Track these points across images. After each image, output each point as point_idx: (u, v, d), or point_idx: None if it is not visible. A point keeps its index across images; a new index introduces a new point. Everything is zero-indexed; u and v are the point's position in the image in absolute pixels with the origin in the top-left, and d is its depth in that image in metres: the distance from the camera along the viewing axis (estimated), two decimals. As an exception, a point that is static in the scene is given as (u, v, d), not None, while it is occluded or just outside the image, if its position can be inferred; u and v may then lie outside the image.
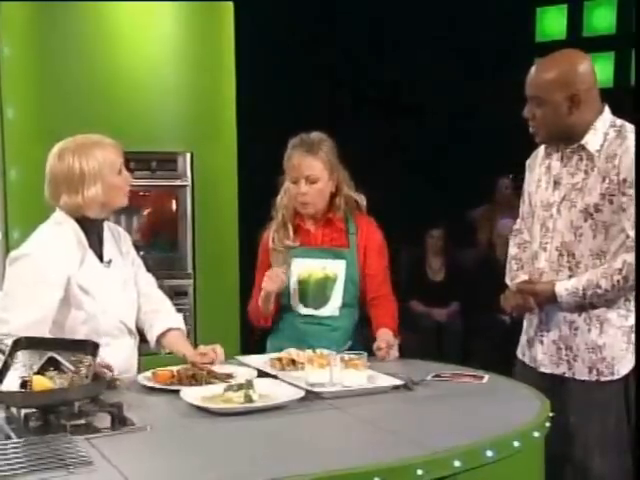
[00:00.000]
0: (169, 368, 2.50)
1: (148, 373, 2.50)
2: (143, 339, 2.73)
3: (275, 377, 2.45)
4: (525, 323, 2.82)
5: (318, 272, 2.89)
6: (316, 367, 2.38)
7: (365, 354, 2.45)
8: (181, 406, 2.22)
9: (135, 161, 3.78)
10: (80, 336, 2.46)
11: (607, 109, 2.64)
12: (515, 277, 2.77)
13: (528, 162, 2.85)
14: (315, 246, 2.93)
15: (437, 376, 2.54)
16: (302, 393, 2.26)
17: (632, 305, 2.59)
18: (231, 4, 4.29)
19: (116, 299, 2.58)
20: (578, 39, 6.74)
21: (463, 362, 2.92)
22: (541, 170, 2.75)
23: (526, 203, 2.84)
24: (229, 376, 2.47)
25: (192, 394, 2.26)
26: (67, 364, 2.14)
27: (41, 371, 2.11)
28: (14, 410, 2.07)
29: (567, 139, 2.64)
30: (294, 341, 2.77)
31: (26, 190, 3.91)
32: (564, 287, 2.60)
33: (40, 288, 2.43)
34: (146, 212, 4.26)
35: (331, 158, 2.89)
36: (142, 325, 2.72)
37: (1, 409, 2.12)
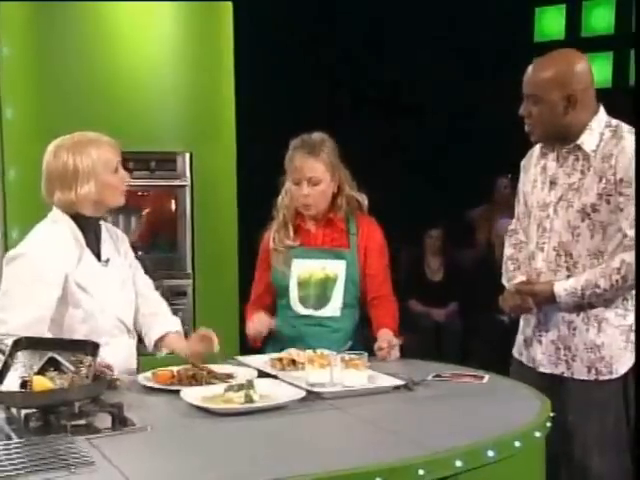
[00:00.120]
0: (169, 368, 2.50)
1: (148, 373, 2.50)
2: (141, 340, 2.73)
3: (275, 377, 2.45)
4: (521, 323, 2.82)
5: (318, 272, 2.89)
6: (317, 367, 2.37)
7: (366, 354, 2.45)
8: (181, 406, 2.22)
9: (134, 161, 3.78)
10: (79, 335, 2.46)
11: (602, 109, 2.65)
12: (512, 278, 2.77)
13: (523, 162, 2.86)
14: (315, 246, 2.93)
15: (438, 376, 2.54)
16: (303, 393, 2.26)
17: (630, 304, 2.60)
18: (230, 4, 4.29)
19: (114, 298, 2.58)
20: (577, 39, 6.74)
21: (462, 362, 2.92)
22: (536, 170, 2.76)
23: (521, 203, 2.84)
24: (229, 376, 2.47)
25: (193, 394, 2.26)
26: (67, 364, 2.14)
27: (41, 371, 2.11)
28: (14, 410, 2.06)
29: (562, 139, 2.65)
30: (294, 342, 2.77)
31: (25, 190, 3.91)
32: (563, 287, 2.60)
33: (37, 287, 2.43)
34: (145, 212, 4.26)
35: (333, 159, 2.89)
36: (139, 328, 2.72)
37: (1, 409, 2.12)
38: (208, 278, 4.21)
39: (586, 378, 2.62)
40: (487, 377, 2.55)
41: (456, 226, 6.28)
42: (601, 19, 6.82)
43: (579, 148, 2.62)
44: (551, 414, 2.21)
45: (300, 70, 6.11)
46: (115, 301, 2.58)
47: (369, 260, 2.92)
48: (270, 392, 2.27)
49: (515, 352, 2.84)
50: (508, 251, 2.86)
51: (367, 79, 6.62)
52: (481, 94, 6.20)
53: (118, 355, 2.51)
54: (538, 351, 2.72)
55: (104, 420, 2.04)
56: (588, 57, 2.69)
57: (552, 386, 2.55)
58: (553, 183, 2.68)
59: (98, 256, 2.58)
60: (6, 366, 2.13)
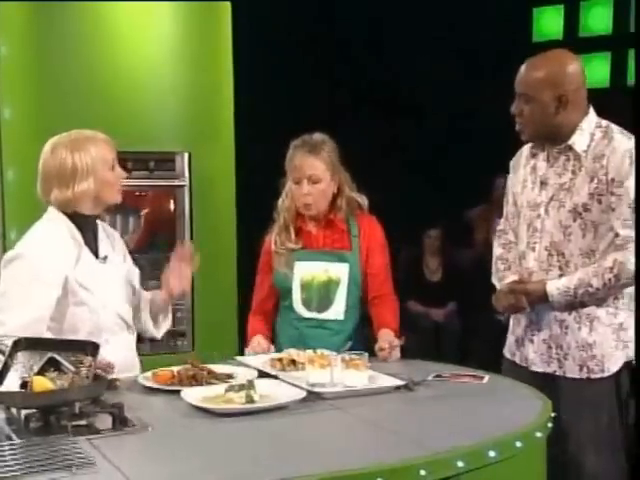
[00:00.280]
0: (169, 368, 2.50)
1: (148, 373, 2.50)
2: (141, 340, 2.73)
3: (275, 377, 2.45)
4: (512, 322, 2.85)
5: (321, 275, 2.89)
6: (317, 367, 2.37)
7: (366, 354, 2.45)
8: (182, 406, 2.21)
9: (133, 161, 3.77)
10: (82, 333, 2.46)
11: (592, 110, 2.68)
12: (503, 277, 2.80)
13: (512, 163, 2.89)
14: (317, 248, 2.93)
15: (438, 376, 2.54)
16: (304, 393, 2.26)
17: (620, 303, 2.64)
18: (229, 4, 4.28)
19: (113, 294, 2.59)
20: (575, 39, 6.75)
21: (461, 362, 2.92)
22: (526, 170, 2.78)
23: (510, 203, 2.86)
24: (229, 376, 2.46)
25: (193, 394, 2.25)
26: (67, 364, 2.13)
27: (41, 372, 2.11)
28: (14, 411, 2.06)
29: (553, 139, 2.68)
30: (295, 344, 2.77)
31: (23, 190, 3.89)
32: (555, 286, 2.62)
33: (35, 287, 2.43)
34: (144, 212, 4.25)
35: (333, 159, 2.89)
36: (139, 322, 2.74)
37: (1, 410, 2.12)
38: (207, 278, 4.20)
39: (578, 376, 2.64)
40: (487, 377, 2.55)
41: (455, 226, 6.27)
42: (599, 19, 6.82)
43: (570, 148, 2.65)
44: (552, 414, 2.21)
45: (299, 70, 6.10)
46: (115, 297, 2.60)
47: (370, 260, 2.92)
48: (270, 392, 2.26)
49: (506, 352, 2.86)
50: (497, 251, 2.89)
51: (366, 79, 6.61)
52: (480, 94, 6.20)
53: (119, 353, 2.51)
54: (530, 350, 2.73)
55: (104, 420, 2.04)
56: (586, 57, 2.73)
57: (544, 385, 2.56)
58: (544, 183, 2.70)
59: (96, 254, 2.59)
60: (6, 367, 2.13)
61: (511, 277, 2.77)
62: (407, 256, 6.04)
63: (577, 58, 2.69)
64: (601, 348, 2.62)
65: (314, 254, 2.92)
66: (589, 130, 2.64)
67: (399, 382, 2.40)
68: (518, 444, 1.99)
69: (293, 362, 2.56)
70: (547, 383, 2.61)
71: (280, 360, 2.59)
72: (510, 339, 2.84)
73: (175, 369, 2.49)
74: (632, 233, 2.53)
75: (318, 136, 2.91)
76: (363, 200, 2.97)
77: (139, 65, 4.09)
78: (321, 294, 2.88)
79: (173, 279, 2.68)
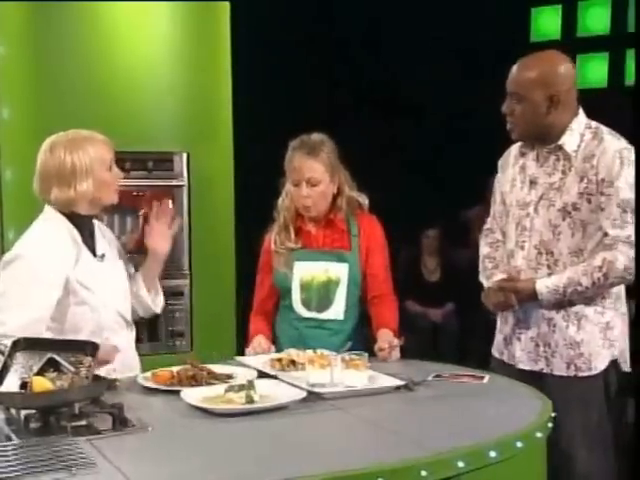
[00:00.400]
0: (169, 369, 2.49)
1: (148, 374, 2.50)
2: (140, 339, 2.72)
3: (275, 377, 2.45)
4: (499, 321, 2.86)
5: (321, 275, 2.89)
6: (317, 367, 2.37)
7: (366, 354, 2.45)
8: (181, 407, 2.21)
9: (131, 161, 3.76)
10: (83, 332, 2.46)
11: (581, 111, 2.71)
12: (491, 275, 2.82)
13: (500, 162, 2.91)
14: (317, 248, 2.93)
15: (438, 376, 2.54)
16: (304, 394, 2.25)
17: (607, 302, 2.67)
18: (227, 4, 4.28)
19: (112, 292, 2.60)
20: (572, 39, 6.76)
21: (459, 362, 2.92)
22: (515, 170, 2.80)
23: (498, 202, 2.88)
24: (229, 377, 2.46)
25: (193, 395, 2.25)
26: (67, 365, 2.13)
27: (41, 372, 2.10)
28: (14, 411, 2.06)
29: (543, 139, 2.70)
30: (295, 344, 2.76)
31: (21, 190, 3.88)
32: (545, 285, 2.64)
33: (34, 288, 2.43)
34: (142, 212, 4.24)
35: (332, 160, 2.89)
36: (134, 311, 2.74)
37: (1, 410, 2.12)
38: (205, 278, 4.20)
39: (565, 374, 2.67)
40: (487, 377, 2.56)
41: (453, 226, 6.27)
42: (597, 19, 6.83)
43: (560, 148, 2.68)
44: (553, 414, 2.21)
45: (298, 70, 6.10)
46: (114, 295, 2.61)
47: (370, 259, 2.92)
48: (270, 392, 2.26)
49: (495, 351, 2.88)
50: (484, 250, 2.91)
51: (365, 79, 6.61)
52: (479, 94, 6.19)
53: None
54: (517, 348, 2.75)
55: (104, 421, 2.04)
56: (584, 57, 2.76)
57: (532, 383, 2.56)
58: (533, 182, 2.73)
59: (94, 252, 2.59)
60: (5, 367, 2.12)
61: (499, 275, 2.79)
62: (405, 256, 6.04)
63: (568, 59, 2.72)
64: (588, 346, 2.64)
65: (314, 254, 2.91)
66: (579, 130, 2.67)
67: (399, 382, 2.40)
68: (518, 444, 1.99)
69: (293, 362, 2.56)
70: (534, 381, 2.62)
71: (280, 360, 2.59)
72: (498, 337, 2.87)
73: (175, 369, 2.48)
74: (621, 233, 2.57)
75: (317, 137, 2.90)
76: (363, 199, 2.97)
77: (137, 65, 4.08)
78: (321, 294, 2.88)
79: (155, 239, 2.67)
